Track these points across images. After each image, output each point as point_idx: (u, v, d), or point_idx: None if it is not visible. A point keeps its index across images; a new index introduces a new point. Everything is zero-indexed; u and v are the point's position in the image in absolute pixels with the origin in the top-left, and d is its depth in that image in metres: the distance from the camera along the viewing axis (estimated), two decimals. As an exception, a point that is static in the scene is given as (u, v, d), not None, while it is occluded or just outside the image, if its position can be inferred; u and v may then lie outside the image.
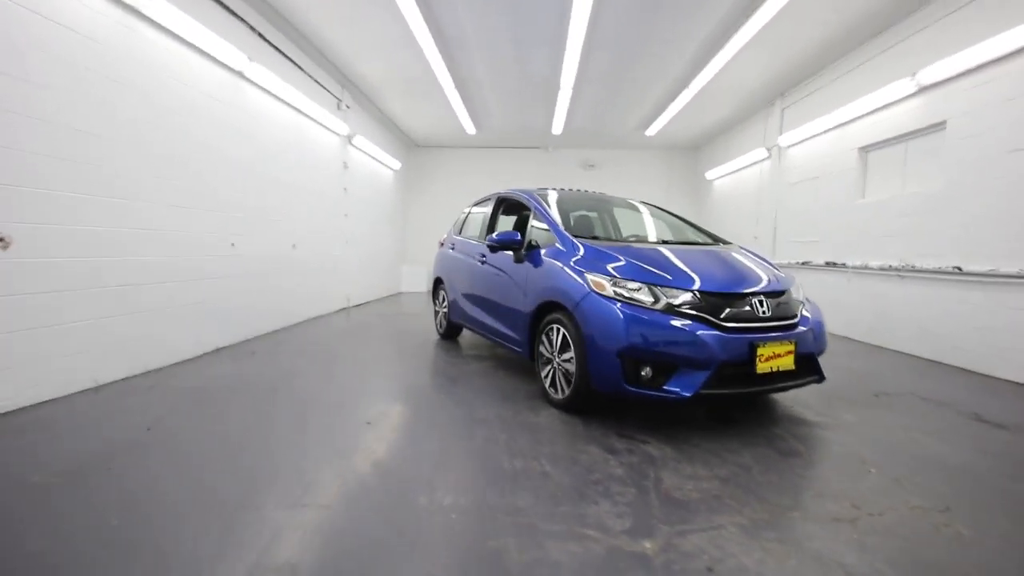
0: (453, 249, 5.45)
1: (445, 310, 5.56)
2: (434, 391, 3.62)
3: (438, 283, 5.86)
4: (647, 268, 2.97)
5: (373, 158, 9.53)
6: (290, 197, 6.25)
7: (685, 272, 2.98)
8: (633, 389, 2.74)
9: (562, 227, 3.61)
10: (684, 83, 7.55)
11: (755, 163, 8.88)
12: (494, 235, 3.94)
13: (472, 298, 4.72)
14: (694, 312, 2.76)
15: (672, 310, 2.77)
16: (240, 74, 5.05)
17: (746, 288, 2.94)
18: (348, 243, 8.31)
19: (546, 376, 3.38)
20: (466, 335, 5.97)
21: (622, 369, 2.75)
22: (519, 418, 3.07)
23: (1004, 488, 2.29)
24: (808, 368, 3.00)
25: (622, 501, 2.08)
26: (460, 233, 5.55)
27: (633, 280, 2.90)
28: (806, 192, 7.31)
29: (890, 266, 5.51)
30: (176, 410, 3.04)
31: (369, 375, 4.09)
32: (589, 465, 2.43)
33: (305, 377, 3.91)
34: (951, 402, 3.58)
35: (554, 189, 4.56)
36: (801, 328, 2.97)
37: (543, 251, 3.58)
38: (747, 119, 9.21)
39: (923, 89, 5.11)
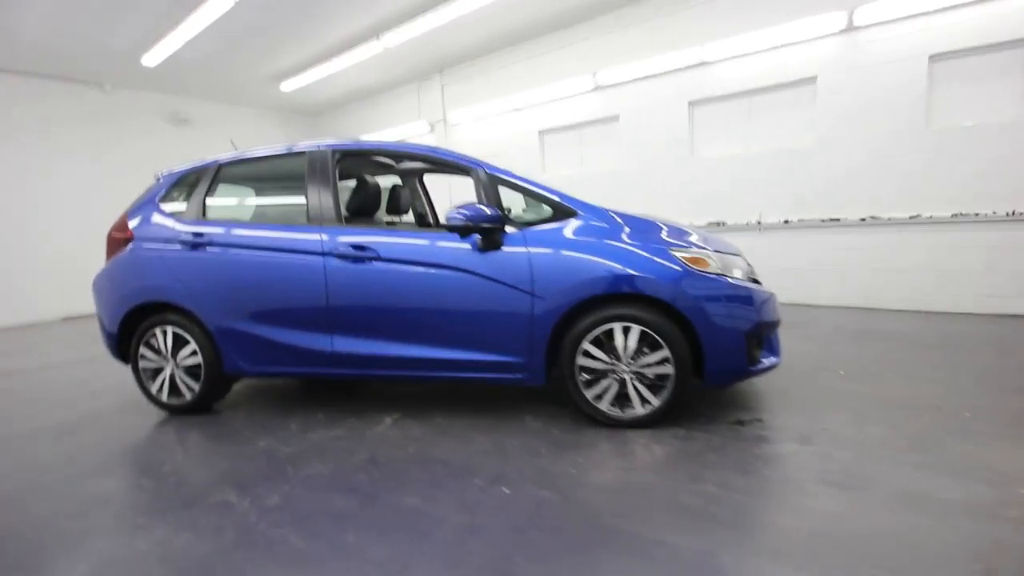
0: (204, 247, 2.94)
1: (194, 360, 2.99)
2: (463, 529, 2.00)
3: (149, 316, 3.06)
4: (709, 237, 2.67)
5: None
6: None
7: (711, 239, 2.85)
8: (753, 369, 2.49)
9: (562, 193, 2.64)
10: (366, 37, 6.57)
11: (415, 136, 8.85)
12: (457, 212, 2.44)
13: (324, 318, 2.76)
14: (754, 278, 2.73)
15: (750, 278, 2.64)
16: None
17: None
18: None
19: (600, 396, 2.51)
20: (238, 396, 3.36)
21: (747, 351, 2.43)
22: (634, 474, 2.19)
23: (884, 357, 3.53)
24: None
25: (898, 444, 1.94)
26: (206, 215, 3.05)
27: (718, 251, 2.54)
28: (483, 167, 7.97)
29: (583, 228, 6.92)
30: None
31: None
32: (806, 458, 2.08)
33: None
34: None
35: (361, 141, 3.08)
36: None
37: (533, 231, 2.56)
38: (396, 89, 8.97)
39: (600, 88, 6.52)
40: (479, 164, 2.70)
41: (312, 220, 2.85)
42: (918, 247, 4.71)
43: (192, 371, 3.02)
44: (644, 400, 2.48)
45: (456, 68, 8.01)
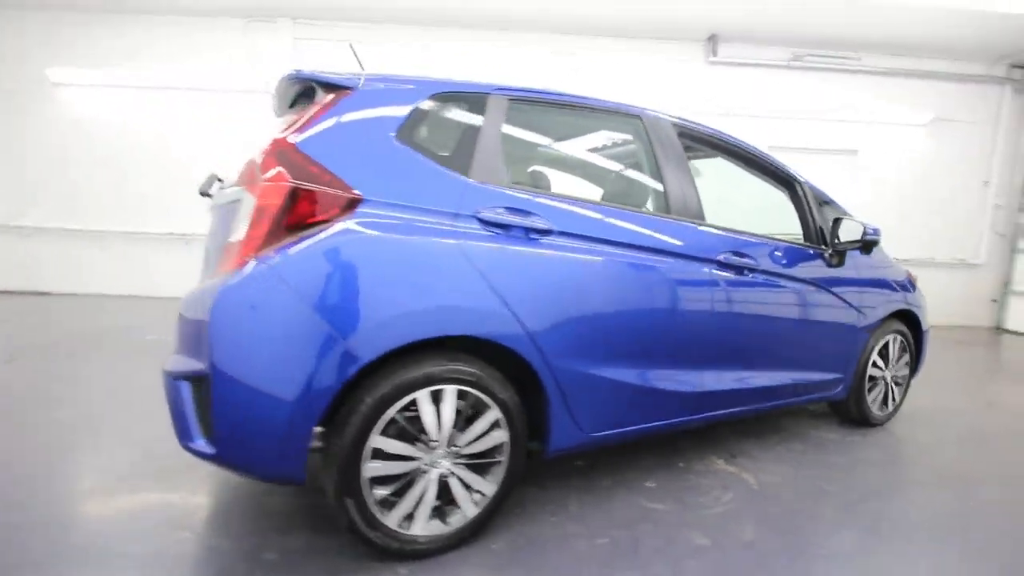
0: (539, 236, 1.68)
1: (490, 441, 1.60)
2: None
3: (397, 367, 1.48)
4: None
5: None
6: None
7: None
8: (919, 364, 3.32)
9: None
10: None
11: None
12: (873, 229, 2.33)
13: (700, 347, 2.06)
14: None
15: None
16: None
17: None
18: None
19: (874, 401, 2.85)
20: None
21: (923, 346, 3.25)
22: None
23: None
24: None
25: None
26: (509, 180, 1.75)
27: None
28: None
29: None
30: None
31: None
32: None
33: None
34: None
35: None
36: None
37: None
38: (198, 18, 6.13)
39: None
40: (801, 178, 2.62)
41: (675, 212, 2.08)
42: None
43: (475, 463, 1.63)
44: (892, 399, 2.98)
45: (326, 24, 6.20)
